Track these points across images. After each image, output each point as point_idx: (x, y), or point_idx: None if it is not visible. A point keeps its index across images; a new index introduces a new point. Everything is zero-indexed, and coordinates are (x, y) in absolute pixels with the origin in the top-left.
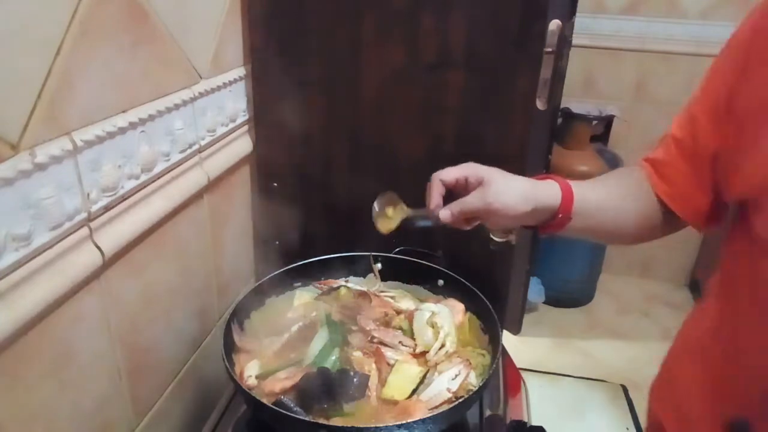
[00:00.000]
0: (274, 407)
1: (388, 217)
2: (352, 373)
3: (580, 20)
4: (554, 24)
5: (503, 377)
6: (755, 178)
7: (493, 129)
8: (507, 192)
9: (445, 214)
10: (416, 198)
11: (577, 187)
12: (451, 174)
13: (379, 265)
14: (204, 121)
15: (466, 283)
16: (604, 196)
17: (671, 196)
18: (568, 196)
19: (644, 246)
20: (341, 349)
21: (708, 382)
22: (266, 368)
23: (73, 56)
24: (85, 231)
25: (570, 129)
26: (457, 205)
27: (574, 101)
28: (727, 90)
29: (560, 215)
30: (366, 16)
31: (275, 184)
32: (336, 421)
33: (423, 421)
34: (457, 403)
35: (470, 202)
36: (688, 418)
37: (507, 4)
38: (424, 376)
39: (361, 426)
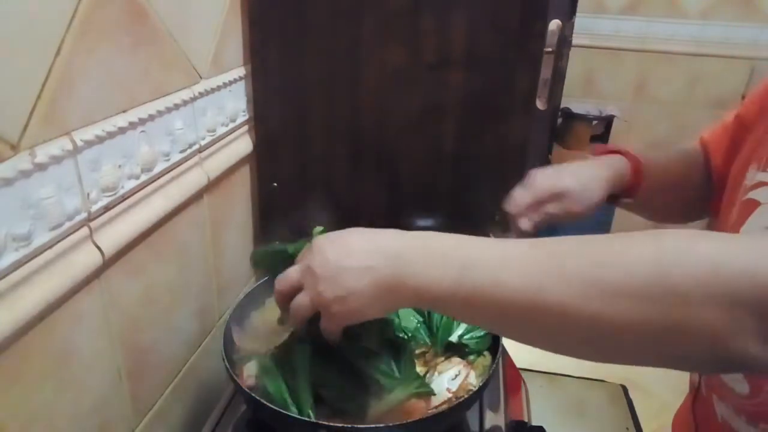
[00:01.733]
0: (274, 407)
1: None
2: None
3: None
4: (554, 24)
5: (503, 377)
6: None
7: (493, 129)
8: (588, 194)
9: (525, 223)
10: (415, 197)
11: (644, 158)
12: (523, 205)
13: None
14: (204, 121)
15: None
16: (665, 174)
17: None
18: (636, 166)
19: None
20: None
21: None
22: None
23: (73, 56)
24: (85, 231)
25: (570, 129)
26: (538, 215)
27: (574, 101)
28: None
29: (630, 190)
30: (366, 16)
31: (275, 184)
32: (336, 421)
33: (423, 421)
34: (457, 403)
35: (552, 212)
36: None
37: (507, 4)
38: (424, 377)
39: (361, 426)
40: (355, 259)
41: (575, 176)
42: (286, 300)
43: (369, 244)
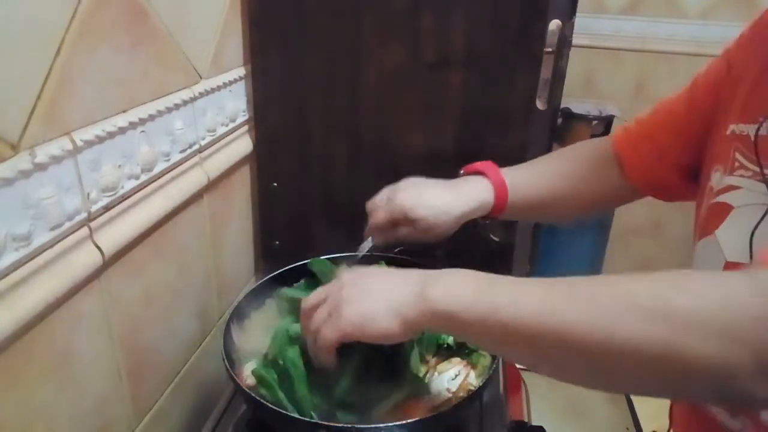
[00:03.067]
0: (274, 407)
1: None
2: None
3: (580, 20)
4: (554, 24)
5: (503, 377)
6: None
7: (493, 129)
8: (434, 228)
9: (379, 241)
10: None
11: (511, 176)
12: (380, 217)
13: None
14: (204, 121)
15: None
16: (541, 182)
17: (633, 166)
18: (500, 190)
19: (644, 246)
20: None
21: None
22: None
23: (73, 56)
24: (85, 231)
25: (570, 129)
26: (390, 235)
27: (574, 101)
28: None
29: (493, 214)
30: (366, 16)
31: (275, 184)
32: (336, 421)
33: (423, 421)
34: (457, 403)
35: (402, 236)
36: None
37: (507, 4)
38: (424, 377)
39: (361, 426)
40: (383, 277)
41: (430, 208)
42: (310, 320)
43: (405, 272)
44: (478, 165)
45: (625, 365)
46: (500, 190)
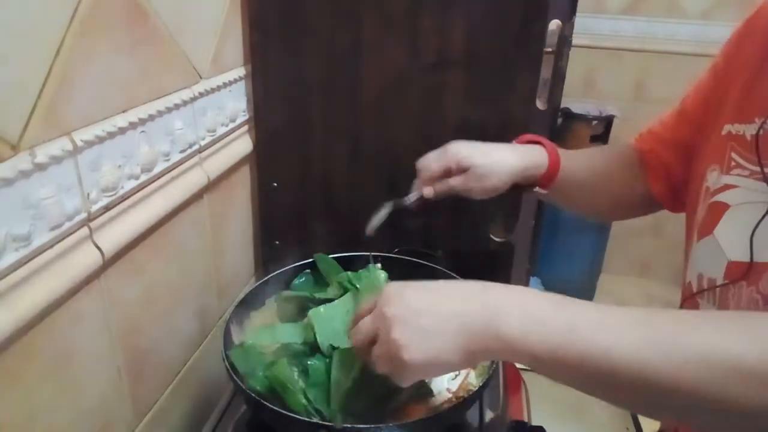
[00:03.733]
0: (274, 407)
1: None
2: None
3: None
4: (554, 24)
5: (503, 377)
6: None
7: (493, 129)
8: (490, 176)
9: (429, 191)
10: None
11: (565, 158)
12: (433, 168)
13: (378, 265)
14: (204, 121)
15: None
16: (587, 170)
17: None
18: (554, 160)
19: (644, 246)
20: None
21: None
22: None
23: (73, 56)
24: (85, 231)
25: (570, 129)
26: (442, 185)
27: (574, 101)
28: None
29: (544, 182)
30: (366, 16)
31: (275, 184)
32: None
33: (423, 421)
34: (457, 403)
35: (454, 185)
36: None
37: (507, 4)
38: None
39: (361, 426)
40: (444, 303)
41: (486, 156)
42: (367, 355)
43: (457, 289)
44: (531, 135)
45: (727, 419)
46: (554, 159)
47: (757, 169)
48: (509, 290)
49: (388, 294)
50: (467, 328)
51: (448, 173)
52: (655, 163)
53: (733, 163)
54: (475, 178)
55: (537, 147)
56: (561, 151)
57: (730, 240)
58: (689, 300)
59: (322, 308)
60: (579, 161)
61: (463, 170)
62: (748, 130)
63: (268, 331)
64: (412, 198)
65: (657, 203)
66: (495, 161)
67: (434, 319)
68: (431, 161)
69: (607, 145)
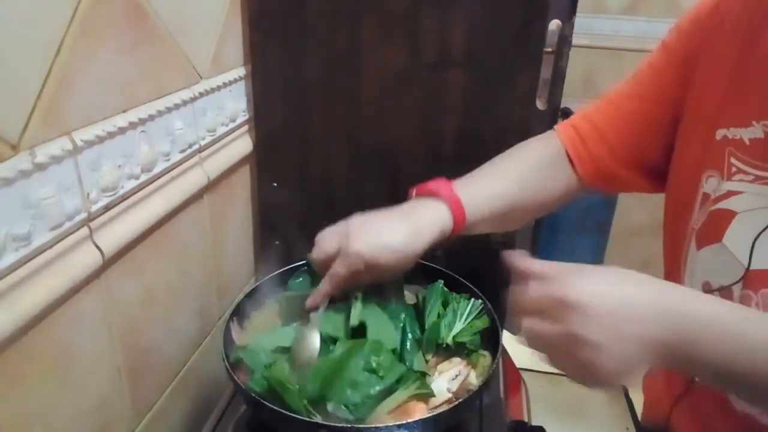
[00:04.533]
0: (274, 407)
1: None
2: None
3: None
4: (554, 24)
5: (503, 377)
6: None
7: (493, 129)
8: (398, 269)
9: (315, 300)
10: None
11: (467, 194)
12: (342, 275)
13: None
14: (204, 121)
15: (466, 283)
16: (496, 195)
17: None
18: (459, 214)
19: (644, 246)
20: None
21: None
22: None
23: (73, 56)
24: (85, 231)
25: None
26: (338, 290)
27: (574, 101)
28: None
29: (449, 238)
30: (366, 15)
31: (275, 184)
32: (336, 421)
33: (423, 421)
34: (457, 403)
35: (360, 282)
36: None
37: (507, 4)
38: (424, 377)
39: (360, 426)
40: (635, 327)
41: (394, 251)
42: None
43: (651, 305)
44: (431, 185)
45: None
46: (457, 212)
47: (763, 174)
48: (698, 301)
49: (577, 307)
50: (650, 349)
51: (356, 275)
52: (585, 151)
53: (734, 169)
54: (382, 274)
55: (437, 205)
56: (465, 191)
57: (744, 248)
58: None
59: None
60: (489, 190)
61: (370, 270)
62: (746, 134)
63: (268, 335)
64: (318, 319)
65: (588, 188)
66: (402, 253)
67: (617, 324)
68: (331, 260)
69: (514, 149)
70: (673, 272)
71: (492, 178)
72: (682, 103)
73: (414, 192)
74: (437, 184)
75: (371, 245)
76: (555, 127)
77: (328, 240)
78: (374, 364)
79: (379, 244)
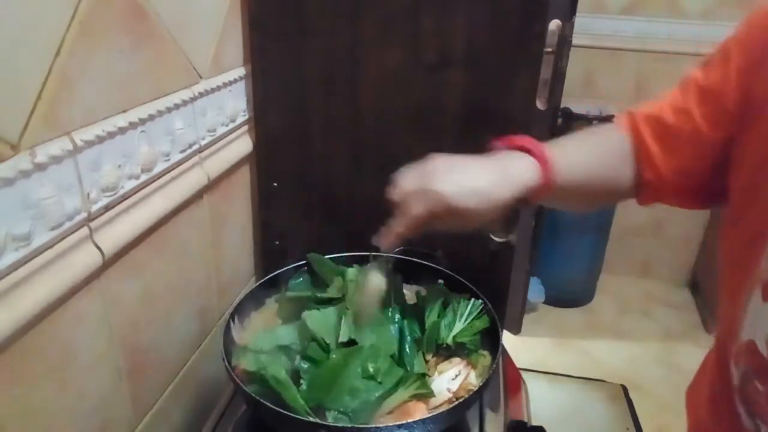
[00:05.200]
0: (274, 407)
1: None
2: None
3: (580, 20)
4: (554, 24)
5: (503, 377)
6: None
7: (493, 129)
8: (477, 219)
9: (387, 240)
10: None
11: (557, 157)
12: (417, 213)
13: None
14: (204, 121)
15: (466, 283)
16: (586, 165)
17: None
18: (547, 173)
19: (644, 246)
20: None
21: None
22: None
23: (73, 56)
24: (85, 231)
25: (570, 129)
26: (414, 231)
27: (574, 101)
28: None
29: (534, 198)
30: (366, 16)
31: (275, 184)
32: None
33: (423, 421)
34: (457, 403)
35: (434, 227)
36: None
37: (507, 4)
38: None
39: (360, 426)
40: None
41: (477, 194)
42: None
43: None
44: (520, 139)
45: None
46: (546, 174)
47: None
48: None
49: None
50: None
51: (434, 216)
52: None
53: None
54: (463, 220)
55: (527, 160)
56: (556, 154)
57: None
58: (751, 359)
59: (314, 311)
60: (577, 157)
61: (450, 213)
62: None
63: (268, 334)
64: (392, 251)
65: (631, 194)
66: (486, 198)
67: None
68: (412, 199)
69: (599, 133)
70: (728, 315)
71: (580, 149)
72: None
73: (498, 144)
74: (525, 138)
75: (455, 185)
76: (626, 129)
77: (408, 178)
78: (372, 370)
79: (463, 184)
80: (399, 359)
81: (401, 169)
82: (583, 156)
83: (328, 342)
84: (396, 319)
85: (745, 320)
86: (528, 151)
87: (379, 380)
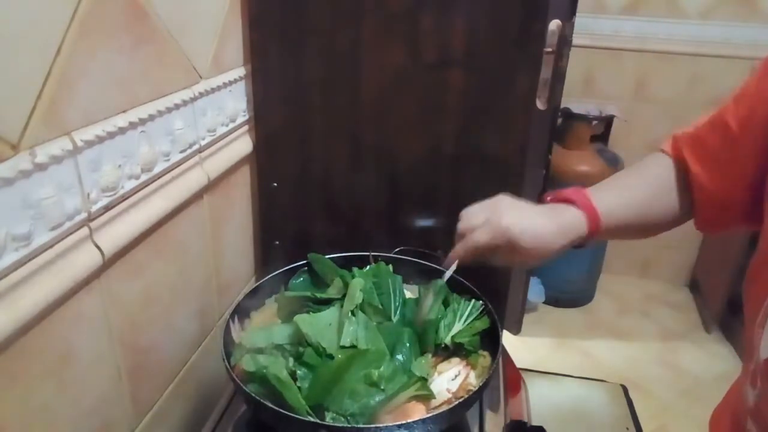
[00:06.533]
0: (274, 407)
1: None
2: None
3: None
4: (554, 24)
5: (503, 377)
6: None
7: (493, 129)
8: (535, 258)
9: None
10: (415, 197)
11: (602, 204)
12: (481, 242)
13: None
14: (204, 121)
15: (466, 283)
16: (630, 204)
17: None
18: (594, 221)
19: (644, 246)
20: None
21: None
22: None
23: (73, 56)
24: (85, 231)
25: (570, 129)
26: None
27: (574, 101)
28: None
29: (587, 241)
30: (366, 16)
31: (275, 184)
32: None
33: (423, 421)
34: (457, 403)
35: (493, 260)
36: None
37: (507, 4)
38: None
39: (361, 426)
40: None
41: (538, 239)
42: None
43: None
44: (568, 193)
45: None
46: (593, 222)
47: None
48: None
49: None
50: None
51: (495, 248)
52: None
53: None
54: (519, 258)
55: (575, 212)
56: (601, 201)
57: None
58: None
59: (307, 316)
60: (622, 201)
61: (510, 248)
62: None
63: (264, 332)
64: (451, 270)
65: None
66: (544, 243)
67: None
68: (479, 233)
69: (643, 166)
70: (749, 335)
71: (626, 190)
72: None
73: (548, 198)
74: (574, 192)
75: (521, 225)
76: (671, 154)
77: (475, 213)
78: (375, 377)
79: (527, 226)
80: (402, 363)
81: (469, 205)
82: (627, 198)
83: (324, 346)
84: (399, 321)
85: (763, 338)
86: (574, 202)
87: (381, 387)
